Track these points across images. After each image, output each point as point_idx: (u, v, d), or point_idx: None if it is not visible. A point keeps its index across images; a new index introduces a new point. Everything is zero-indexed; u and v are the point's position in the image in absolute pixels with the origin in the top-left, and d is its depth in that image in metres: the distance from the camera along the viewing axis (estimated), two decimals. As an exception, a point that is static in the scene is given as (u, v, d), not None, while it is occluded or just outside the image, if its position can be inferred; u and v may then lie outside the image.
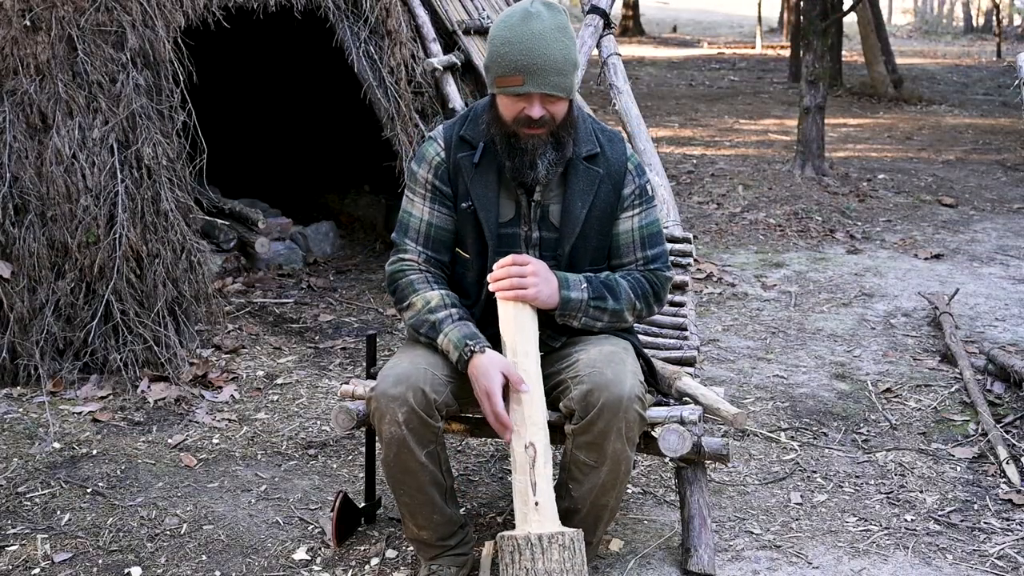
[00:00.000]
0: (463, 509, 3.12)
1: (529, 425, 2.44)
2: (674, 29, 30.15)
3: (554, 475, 3.31)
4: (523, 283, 2.49)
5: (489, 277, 2.54)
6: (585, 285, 2.59)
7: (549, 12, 2.47)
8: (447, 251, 2.68)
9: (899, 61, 16.90)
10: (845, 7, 10.61)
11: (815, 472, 3.52)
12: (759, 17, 24.53)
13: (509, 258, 2.52)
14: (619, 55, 4.43)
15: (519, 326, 2.52)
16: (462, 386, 2.59)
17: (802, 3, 11.22)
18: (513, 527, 2.45)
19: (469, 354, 2.47)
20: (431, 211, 2.65)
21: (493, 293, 2.56)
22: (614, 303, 2.61)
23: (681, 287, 3.55)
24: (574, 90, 2.53)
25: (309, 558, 2.91)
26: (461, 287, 2.68)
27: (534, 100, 2.47)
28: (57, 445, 3.57)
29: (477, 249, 2.63)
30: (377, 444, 3.01)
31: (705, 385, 2.89)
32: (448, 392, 2.54)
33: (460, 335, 2.50)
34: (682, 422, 2.63)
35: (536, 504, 2.41)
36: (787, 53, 18.70)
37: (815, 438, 3.80)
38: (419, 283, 2.61)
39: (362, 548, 2.96)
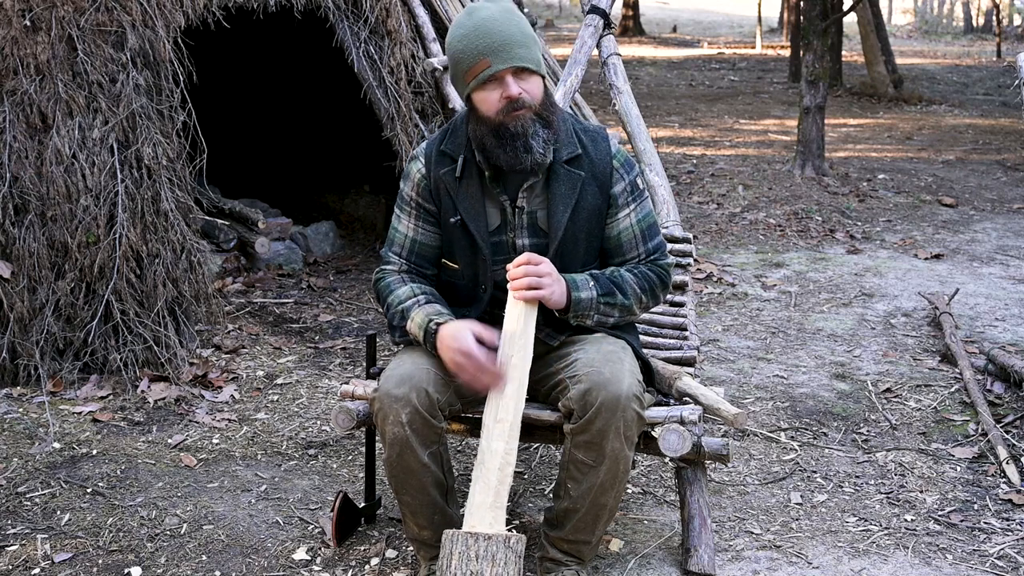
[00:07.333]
0: (463, 509, 3.11)
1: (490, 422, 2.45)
2: (674, 29, 30.15)
3: (553, 475, 3.33)
4: (540, 283, 2.50)
5: (508, 275, 2.54)
6: (593, 283, 2.60)
7: (492, 2, 2.54)
8: (430, 264, 2.73)
9: (899, 61, 16.90)
10: (845, 7, 10.62)
11: (815, 472, 3.53)
12: (759, 17, 24.52)
13: (524, 257, 2.52)
14: (619, 55, 4.43)
15: (524, 324, 2.53)
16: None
17: (802, 3, 11.23)
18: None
19: (435, 328, 2.50)
20: (415, 228, 2.71)
21: (497, 294, 2.60)
22: (623, 298, 2.62)
23: (681, 287, 3.55)
24: (541, 64, 2.56)
25: (309, 558, 2.91)
26: (452, 295, 2.70)
27: (507, 80, 2.49)
28: (57, 445, 3.57)
29: (468, 259, 2.66)
30: (378, 444, 3.02)
31: (705, 385, 2.89)
32: (451, 392, 2.56)
33: (424, 315, 2.54)
34: (682, 422, 2.63)
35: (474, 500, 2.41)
36: (787, 53, 18.70)
37: (815, 438, 3.80)
38: (395, 284, 2.67)
39: (362, 548, 2.96)
